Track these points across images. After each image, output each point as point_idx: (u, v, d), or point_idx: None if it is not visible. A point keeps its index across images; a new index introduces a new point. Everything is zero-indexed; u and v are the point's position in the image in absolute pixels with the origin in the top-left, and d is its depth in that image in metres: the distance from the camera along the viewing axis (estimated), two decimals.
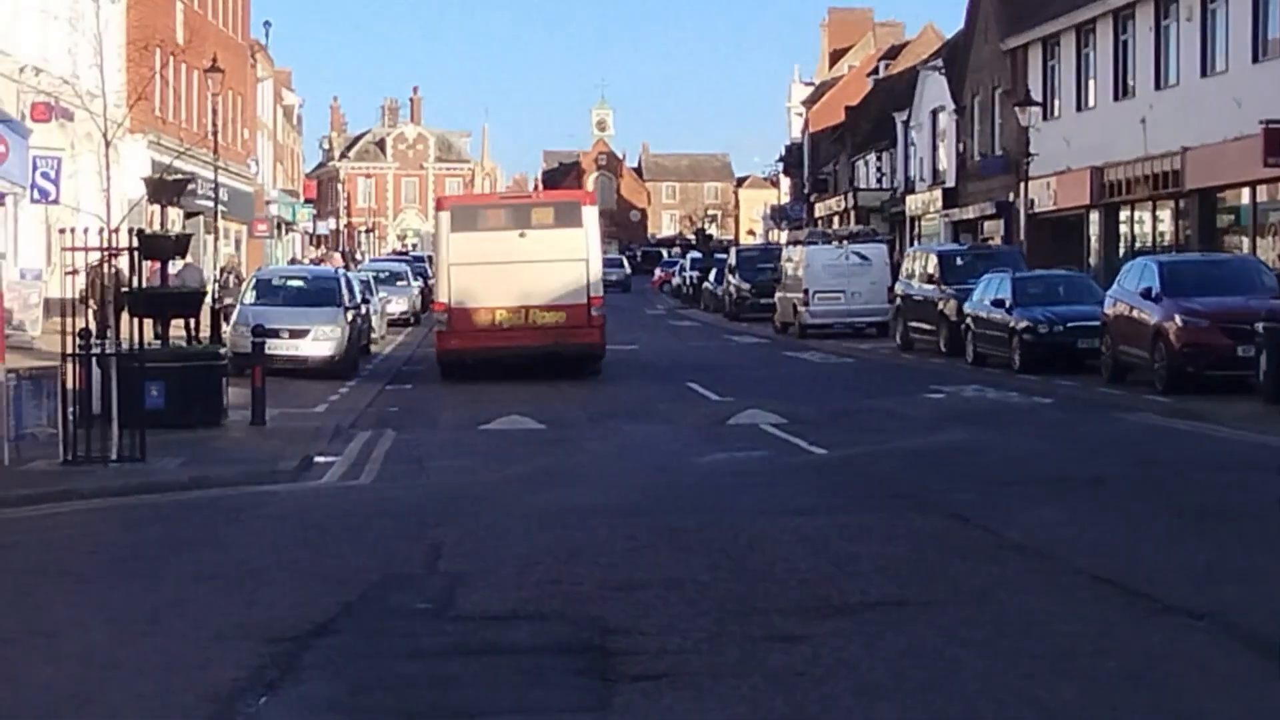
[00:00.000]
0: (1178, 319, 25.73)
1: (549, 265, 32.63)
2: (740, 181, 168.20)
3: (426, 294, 62.11)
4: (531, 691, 8.85)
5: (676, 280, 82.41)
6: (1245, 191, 38.63)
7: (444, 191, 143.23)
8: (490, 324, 32.77)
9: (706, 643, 9.70)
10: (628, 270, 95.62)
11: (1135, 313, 27.31)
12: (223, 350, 25.96)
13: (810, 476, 18.19)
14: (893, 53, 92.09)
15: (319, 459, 20.00)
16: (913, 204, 68.34)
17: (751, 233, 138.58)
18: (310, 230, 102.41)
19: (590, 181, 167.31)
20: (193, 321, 25.65)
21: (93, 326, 27.22)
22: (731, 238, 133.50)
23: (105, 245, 20.01)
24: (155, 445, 18.98)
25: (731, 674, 9.00)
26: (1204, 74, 39.89)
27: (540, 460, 20.01)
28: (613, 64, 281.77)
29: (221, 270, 47.59)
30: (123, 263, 21.35)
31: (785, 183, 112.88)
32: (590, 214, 34.09)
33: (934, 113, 65.62)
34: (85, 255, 20.31)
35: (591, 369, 33.93)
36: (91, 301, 30.61)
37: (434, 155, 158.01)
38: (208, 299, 32.62)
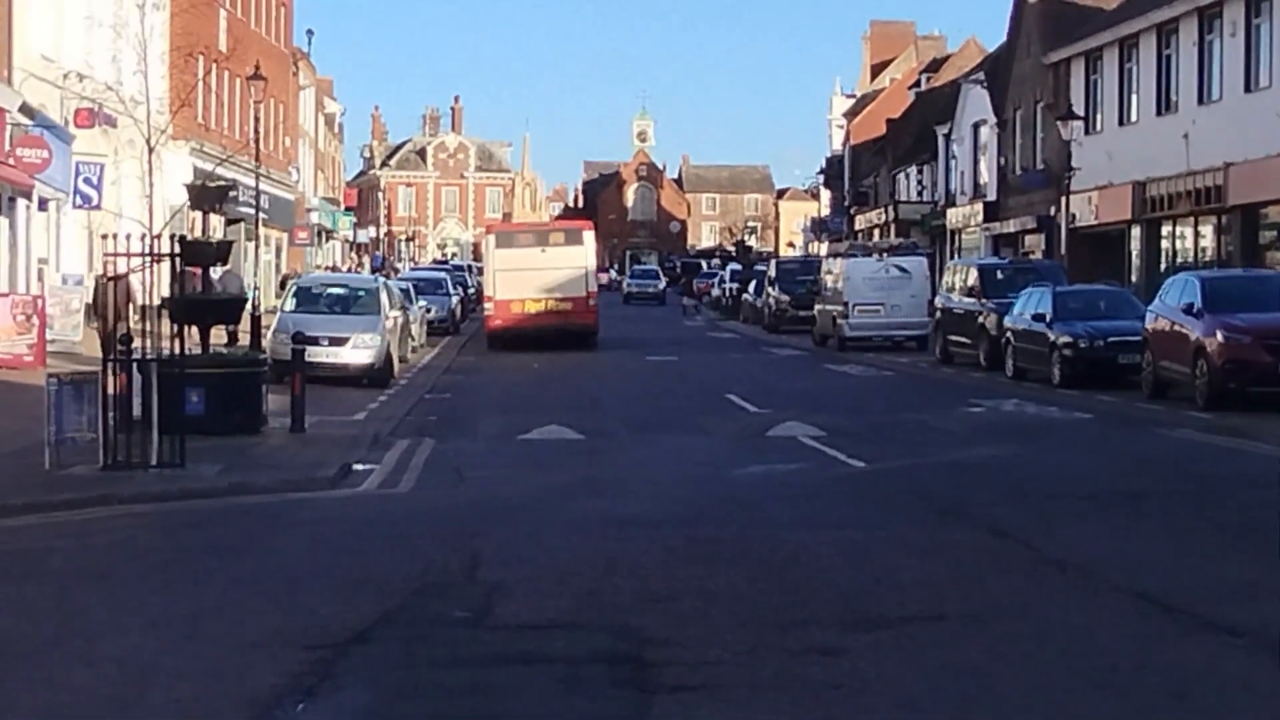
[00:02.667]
0: (1219, 335, 25.60)
1: (561, 271, 46.68)
2: (780, 193, 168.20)
3: (466, 303, 63.03)
4: (569, 701, 8.84)
5: (716, 292, 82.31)
6: None
7: (484, 200, 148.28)
8: (521, 310, 46.45)
9: (745, 654, 9.68)
10: (662, 284, 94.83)
11: (1176, 328, 27.18)
12: (263, 357, 26.03)
13: (849, 489, 18.14)
14: (934, 65, 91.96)
15: (358, 467, 20.02)
16: (953, 217, 68.21)
17: (791, 245, 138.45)
18: (351, 238, 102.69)
19: (630, 193, 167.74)
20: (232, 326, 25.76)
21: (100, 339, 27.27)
22: (771, 250, 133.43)
23: (147, 251, 20.08)
24: (195, 451, 19.03)
25: (770, 686, 8.98)
26: (1247, 89, 39.74)
27: (579, 470, 20.00)
28: (654, 75, 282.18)
29: (284, 279, 47.96)
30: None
31: (825, 195, 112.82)
32: (589, 236, 48.63)
33: (975, 126, 65.51)
34: (113, 264, 20.34)
35: (590, 342, 47.00)
36: (95, 315, 30.73)
37: (474, 165, 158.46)
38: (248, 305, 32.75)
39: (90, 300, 30.34)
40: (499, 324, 46.86)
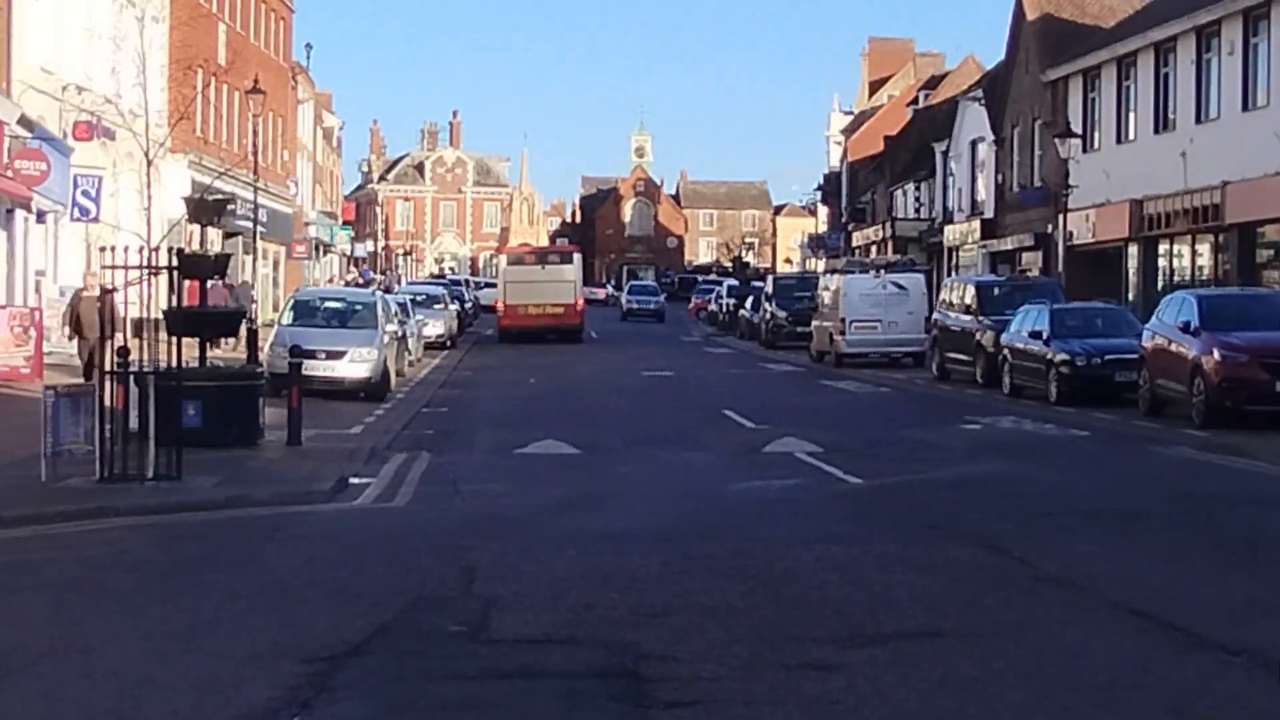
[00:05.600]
0: (1216, 353, 25.62)
1: (555, 283, 61.45)
2: (778, 209, 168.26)
3: (464, 317, 63.87)
4: (565, 716, 8.83)
5: (712, 307, 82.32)
6: None
7: (481, 215, 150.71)
8: (525, 313, 60.84)
9: (741, 670, 9.68)
10: (663, 300, 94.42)
11: (1173, 346, 27.20)
12: (260, 370, 26.04)
13: (845, 505, 18.14)
14: (933, 83, 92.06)
15: (354, 480, 20.02)
16: (951, 234, 68.26)
17: (789, 261, 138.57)
18: (348, 252, 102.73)
19: (628, 208, 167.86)
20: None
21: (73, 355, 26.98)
22: (768, 266, 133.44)
23: (145, 264, 20.09)
24: (191, 464, 19.02)
25: (765, 702, 8.97)
26: (1245, 108, 39.78)
27: (575, 485, 19.99)
28: (652, 90, 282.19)
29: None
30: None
31: (823, 211, 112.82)
32: (577, 257, 65.08)
33: (973, 143, 65.58)
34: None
35: (577, 337, 61.14)
36: (67, 330, 30.48)
37: (472, 179, 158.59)
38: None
39: (71, 314, 29.93)
40: (508, 322, 61.53)
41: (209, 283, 22.77)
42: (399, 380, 37.05)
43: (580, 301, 63.01)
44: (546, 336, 59.88)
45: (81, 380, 25.56)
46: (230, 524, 16.71)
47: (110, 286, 21.02)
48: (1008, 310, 35.95)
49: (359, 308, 35.40)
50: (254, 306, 44.53)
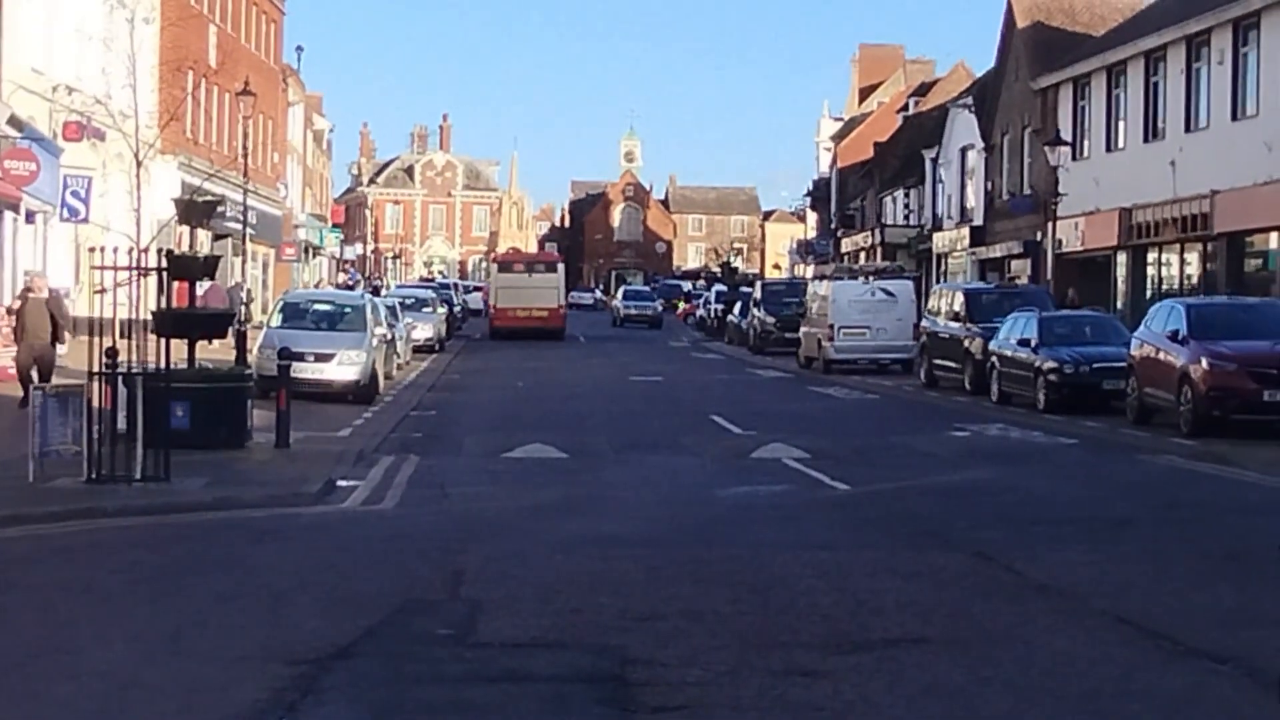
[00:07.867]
0: (1204, 362, 25.65)
1: (541, 289, 67.81)
2: (767, 215, 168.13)
3: (453, 321, 63.96)
4: None
5: (701, 312, 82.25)
6: (1274, 236, 38.55)
7: (471, 219, 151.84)
8: (513, 315, 67.15)
9: (727, 675, 9.68)
10: (659, 306, 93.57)
11: (1162, 355, 27.23)
12: (248, 372, 26.01)
13: (833, 512, 18.15)
14: (923, 90, 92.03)
15: (342, 483, 20.03)
16: (940, 241, 68.25)
17: (777, 267, 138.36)
18: (338, 255, 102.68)
19: (617, 213, 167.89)
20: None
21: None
22: (757, 271, 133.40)
23: (134, 265, 20.07)
24: (179, 466, 19.01)
25: (751, 707, 8.98)
26: (1234, 117, 39.83)
27: (563, 489, 19.99)
28: (642, 95, 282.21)
29: None
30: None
31: (812, 217, 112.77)
32: (561, 266, 71.55)
33: (963, 150, 65.58)
34: (105, 275, 20.28)
35: (559, 338, 66.20)
36: (12, 341, 30.08)
37: (462, 183, 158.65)
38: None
39: (17, 317, 29.16)
40: (499, 323, 68.25)
41: (207, 284, 22.62)
42: (387, 383, 37.04)
43: (563, 306, 69.96)
44: (532, 335, 65.33)
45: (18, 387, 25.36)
46: (218, 526, 16.70)
47: (100, 287, 20.97)
48: (996, 318, 35.95)
49: (348, 310, 35.36)
50: (244, 309, 44.46)
